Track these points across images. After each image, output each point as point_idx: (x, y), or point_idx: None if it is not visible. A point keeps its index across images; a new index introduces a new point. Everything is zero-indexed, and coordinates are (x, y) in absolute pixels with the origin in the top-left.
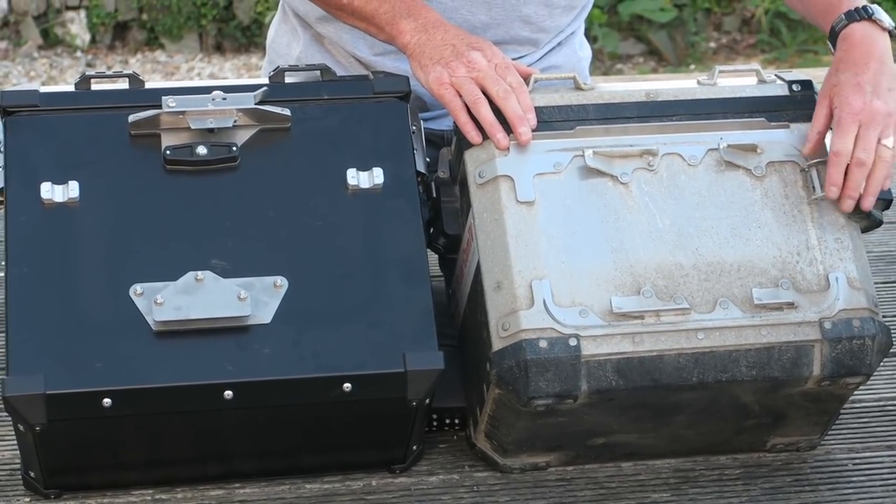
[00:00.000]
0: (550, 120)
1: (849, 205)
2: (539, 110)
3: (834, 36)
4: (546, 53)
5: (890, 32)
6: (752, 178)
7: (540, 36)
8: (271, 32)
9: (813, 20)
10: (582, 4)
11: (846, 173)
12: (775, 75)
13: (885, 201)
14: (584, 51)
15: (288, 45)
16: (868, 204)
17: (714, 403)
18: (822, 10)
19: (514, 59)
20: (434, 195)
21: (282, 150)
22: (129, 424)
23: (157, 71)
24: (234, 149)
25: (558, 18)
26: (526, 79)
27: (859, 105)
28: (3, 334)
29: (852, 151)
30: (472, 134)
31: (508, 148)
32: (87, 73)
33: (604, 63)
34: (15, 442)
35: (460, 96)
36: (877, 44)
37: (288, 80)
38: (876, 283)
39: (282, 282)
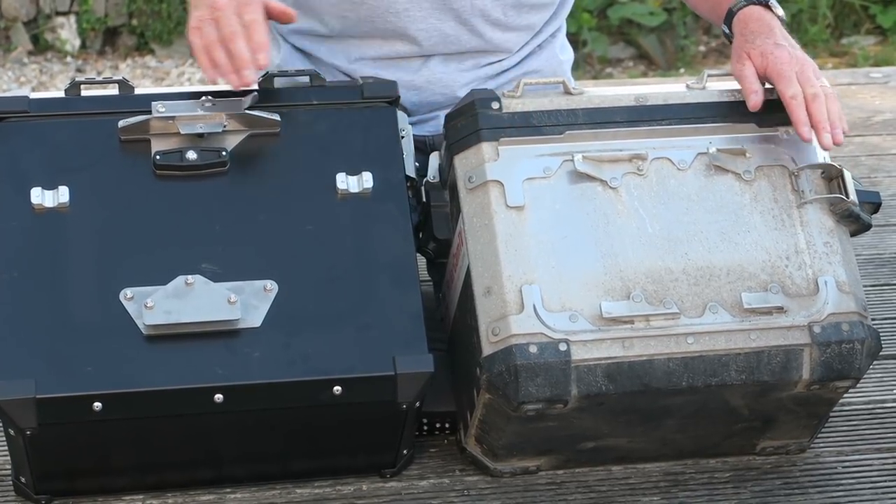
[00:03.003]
0: (540, 124)
1: (827, 139)
2: (528, 115)
3: (730, 16)
4: (525, 57)
5: (780, 20)
6: (742, 182)
7: (510, 35)
8: None
9: (710, 9)
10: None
11: (808, 113)
12: None
13: (873, 205)
14: (566, 53)
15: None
16: (840, 137)
17: (704, 407)
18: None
19: (489, 64)
20: (424, 199)
21: (271, 155)
22: (120, 429)
23: (147, 76)
24: (224, 154)
25: (527, 17)
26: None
27: (787, 56)
28: None
29: (807, 94)
30: (209, 73)
31: (241, 87)
32: (77, 79)
33: (593, 67)
34: (5, 448)
35: None
36: (773, 22)
37: (277, 85)
38: (865, 286)
39: (272, 286)
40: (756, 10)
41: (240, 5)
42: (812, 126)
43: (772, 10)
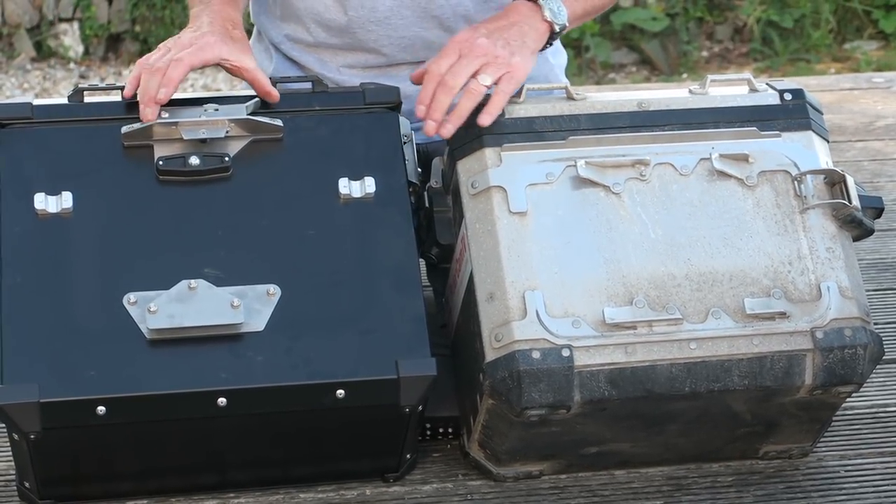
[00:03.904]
0: (542, 130)
1: (430, 127)
2: (531, 120)
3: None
4: None
5: (552, 25)
6: (744, 187)
7: None
8: None
9: None
10: None
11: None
12: (766, 84)
13: (876, 210)
14: (558, 57)
15: (261, 63)
16: (445, 132)
17: (707, 412)
18: None
19: None
20: (426, 205)
21: (274, 161)
22: (124, 433)
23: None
24: (227, 159)
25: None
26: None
27: (464, 37)
28: None
29: (444, 76)
30: (129, 88)
31: (152, 120)
32: (80, 86)
33: (596, 72)
34: (10, 453)
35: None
36: (522, 16)
37: (279, 91)
38: (868, 291)
39: (275, 290)
40: (520, 5)
41: (194, 50)
42: (427, 108)
43: (540, 8)
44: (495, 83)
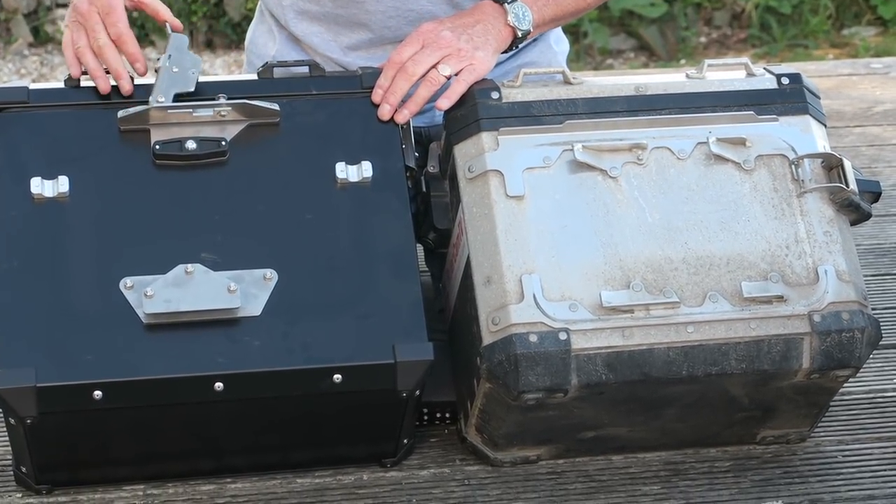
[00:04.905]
0: (540, 114)
1: (385, 111)
2: (528, 104)
3: None
4: (519, 51)
5: (515, 30)
6: (741, 171)
7: None
8: (249, 33)
9: None
10: None
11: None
12: (764, 69)
13: (873, 194)
14: (561, 45)
15: (264, 45)
16: (401, 117)
17: (704, 397)
18: None
19: None
20: (423, 189)
21: (271, 145)
22: (120, 418)
23: (147, 67)
24: (223, 143)
25: None
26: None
27: (428, 28)
28: None
29: (405, 63)
30: (74, 70)
31: (108, 93)
32: None
33: (594, 58)
34: (6, 438)
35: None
36: (487, 15)
37: (276, 75)
38: (865, 276)
39: (271, 274)
40: (486, 4)
41: (103, 14)
42: (385, 92)
43: (505, 11)
44: (456, 75)
